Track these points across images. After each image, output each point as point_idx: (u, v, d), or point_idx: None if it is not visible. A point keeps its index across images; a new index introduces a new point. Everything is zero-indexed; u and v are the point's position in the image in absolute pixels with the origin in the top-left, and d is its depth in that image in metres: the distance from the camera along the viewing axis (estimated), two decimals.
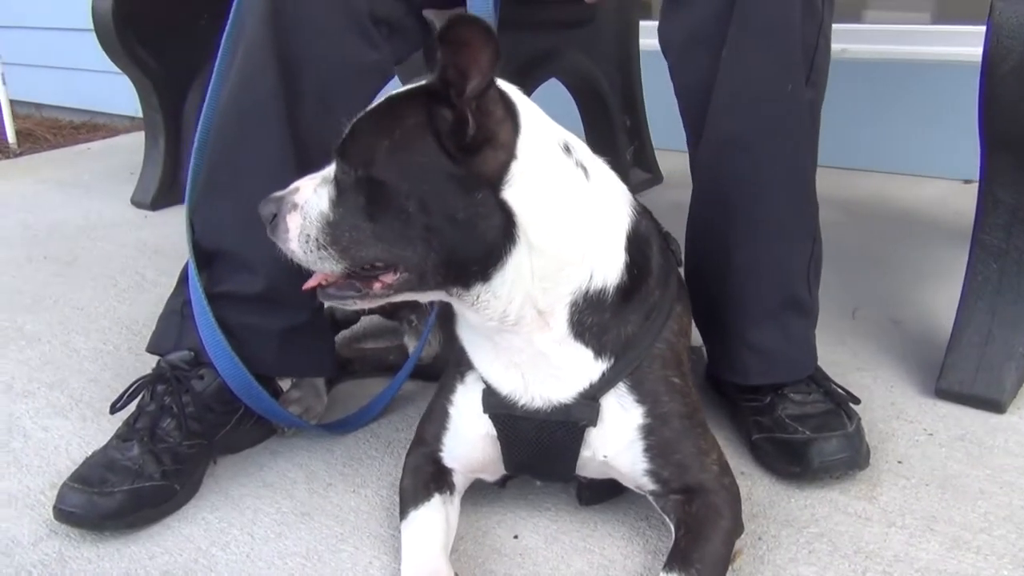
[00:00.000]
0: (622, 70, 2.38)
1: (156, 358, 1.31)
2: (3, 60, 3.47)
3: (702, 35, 1.14)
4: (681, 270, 1.15)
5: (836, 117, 2.50)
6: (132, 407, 1.27)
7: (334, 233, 0.94)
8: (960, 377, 1.36)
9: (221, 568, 1.09)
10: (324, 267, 0.96)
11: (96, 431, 1.41)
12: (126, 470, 1.16)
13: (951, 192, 2.38)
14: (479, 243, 0.92)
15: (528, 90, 2.00)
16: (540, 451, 1.05)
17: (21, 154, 3.43)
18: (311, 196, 0.97)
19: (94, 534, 1.15)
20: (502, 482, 1.15)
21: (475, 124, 0.88)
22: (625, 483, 1.08)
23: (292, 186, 1.00)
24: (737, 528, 1.04)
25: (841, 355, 1.52)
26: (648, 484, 1.05)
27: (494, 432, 1.06)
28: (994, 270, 1.35)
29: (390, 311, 1.55)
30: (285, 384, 1.41)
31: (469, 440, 1.08)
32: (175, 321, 1.28)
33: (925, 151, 2.50)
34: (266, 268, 1.23)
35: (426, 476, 1.11)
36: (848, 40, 2.49)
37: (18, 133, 3.57)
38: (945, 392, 1.37)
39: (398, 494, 1.13)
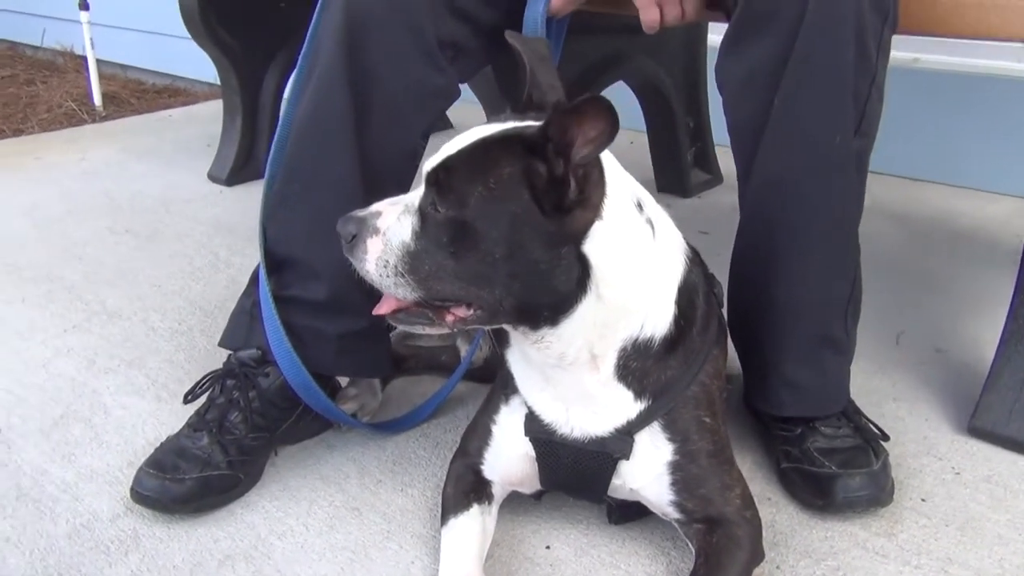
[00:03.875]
0: (687, 73, 2.40)
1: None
2: (91, 22, 3.62)
3: (758, 77, 1.18)
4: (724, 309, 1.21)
5: (905, 125, 2.50)
6: (203, 397, 1.38)
7: (413, 263, 1.00)
8: (994, 417, 1.39)
9: (277, 556, 1.20)
10: (398, 293, 1.02)
11: (169, 413, 1.52)
12: (196, 458, 1.27)
13: (1017, 211, 2.36)
14: (554, 291, 0.98)
15: (595, 92, 2.06)
16: (574, 475, 1.13)
17: (106, 118, 3.59)
18: (394, 223, 1.01)
19: (165, 516, 1.26)
20: (538, 495, 1.23)
21: (576, 188, 0.94)
22: (652, 509, 1.15)
23: (374, 208, 1.05)
24: (756, 558, 1.10)
25: (880, 383, 1.55)
26: (673, 513, 1.11)
27: (533, 453, 1.13)
28: None
29: None
30: (343, 380, 1.50)
31: (509, 458, 1.16)
32: (245, 320, 1.38)
33: (994, 166, 2.47)
34: (331, 278, 1.32)
35: (467, 486, 1.19)
36: (921, 49, 2.47)
37: (104, 96, 3.73)
38: (978, 431, 1.40)
39: (442, 500, 1.21)
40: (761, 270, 1.26)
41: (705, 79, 2.44)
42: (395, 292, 1.02)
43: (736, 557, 1.07)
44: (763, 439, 1.38)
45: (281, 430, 1.36)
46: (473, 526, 1.15)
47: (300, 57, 1.35)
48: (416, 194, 1.04)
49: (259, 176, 2.70)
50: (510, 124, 1.03)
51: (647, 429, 1.08)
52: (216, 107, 2.95)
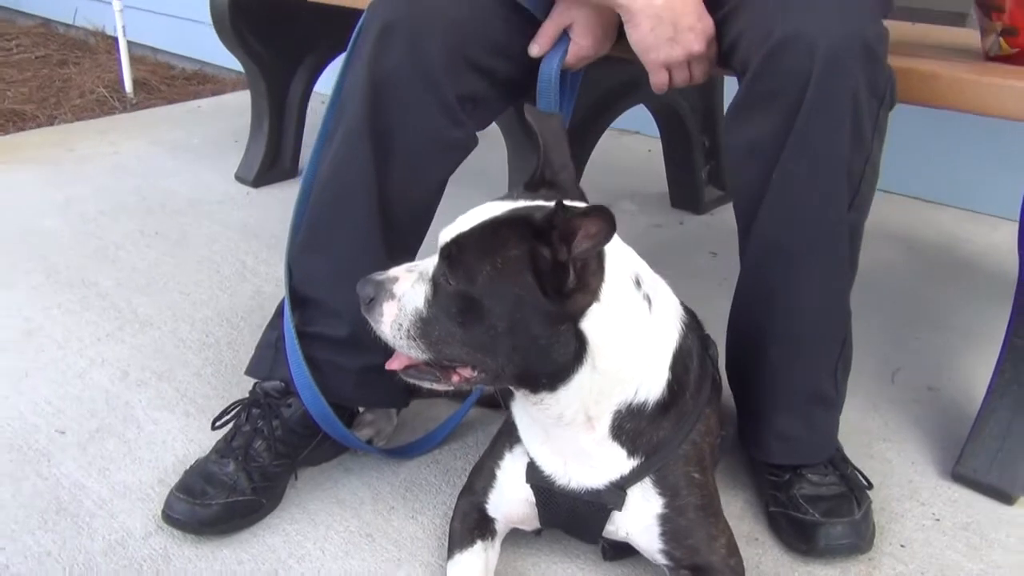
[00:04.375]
0: (703, 94, 2.45)
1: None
2: (124, 7, 3.70)
3: (758, 149, 1.25)
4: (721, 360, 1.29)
5: (920, 146, 2.54)
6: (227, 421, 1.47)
7: (424, 328, 1.08)
8: (976, 465, 1.46)
9: None
10: (410, 353, 1.11)
11: (197, 429, 1.62)
12: (223, 484, 1.37)
13: (1009, 235, 2.39)
14: (553, 363, 1.06)
15: (614, 117, 2.12)
16: (571, 520, 1.22)
17: (137, 105, 3.68)
18: (408, 290, 1.10)
19: (194, 537, 1.36)
20: (537, 532, 1.32)
21: (575, 278, 1.02)
22: (644, 554, 1.23)
23: (392, 272, 1.13)
24: None
25: (872, 423, 1.63)
26: (662, 560, 1.20)
27: (533, 499, 1.22)
28: (1022, 371, 1.43)
29: None
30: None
31: (511, 501, 1.25)
32: (270, 353, 1.47)
33: (1006, 190, 2.50)
34: (351, 318, 1.39)
35: (472, 523, 1.28)
36: None
37: (134, 82, 3.82)
38: (960, 477, 1.47)
39: (448, 534, 1.30)
40: (757, 329, 1.33)
41: (721, 100, 2.49)
42: (407, 352, 1.11)
43: None
44: (754, 480, 1.45)
45: (302, 456, 1.46)
46: (476, 562, 1.24)
47: (326, 114, 1.44)
48: (430, 263, 1.11)
49: (285, 178, 2.83)
50: (521, 203, 1.10)
51: (639, 484, 1.16)
52: (244, 97, 3.03)
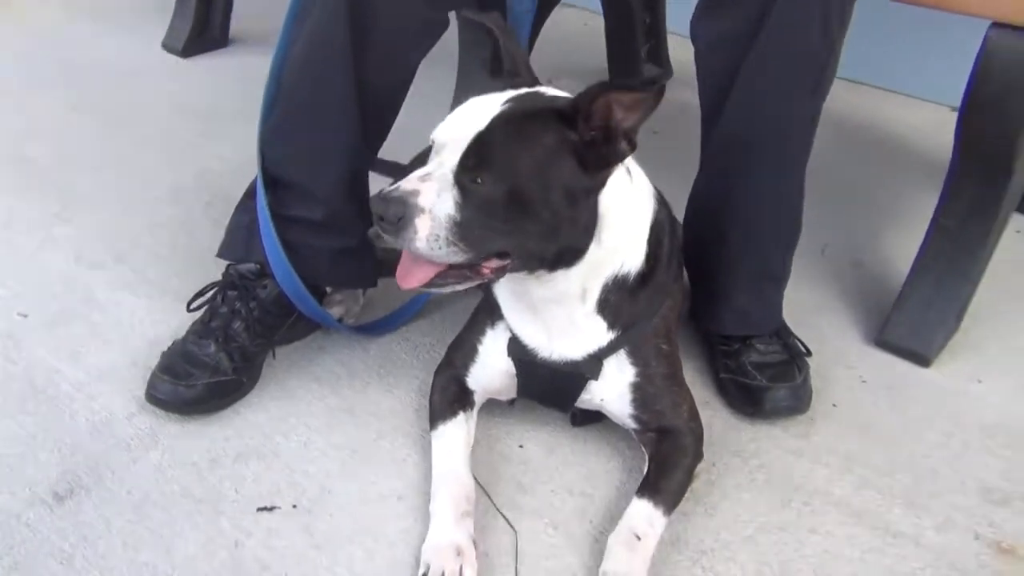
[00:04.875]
0: None
1: (217, 241, 1.54)
2: None
3: (730, 39, 1.30)
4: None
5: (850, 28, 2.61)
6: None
7: (463, 232, 1.08)
8: (899, 332, 1.61)
9: (283, 453, 1.37)
10: (450, 259, 1.10)
11: (162, 310, 1.64)
12: (205, 365, 1.41)
13: (939, 121, 2.53)
14: (581, 238, 1.14)
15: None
16: (549, 389, 1.32)
17: None
18: (436, 199, 1.08)
19: (178, 416, 1.41)
20: (511, 401, 1.42)
21: (629, 147, 1.09)
22: (613, 419, 1.35)
23: (407, 186, 1.09)
24: (697, 460, 1.32)
25: (806, 295, 1.75)
26: (631, 424, 1.32)
27: (514, 371, 1.31)
28: (946, 250, 1.57)
29: None
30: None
31: (492, 373, 1.34)
32: (243, 235, 1.49)
33: (928, 73, 2.61)
34: (328, 200, 1.44)
35: (452, 395, 1.37)
36: None
37: None
38: (884, 343, 1.63)
39: (429, 407, 1.39)
40: (716, 215, 1.42)
41: None
42: (448, 259, 1.10)
43: (682, 461, 1.28)
44: (705, 350, 1.58)
45: (278, 335, 1.51)
46: (459, 432, 1.33)
47: None
48: (440, 166, 1.10)
49: (215, 47, 2.74)
50: (507, 94, 1.13)
51: (615, 355, 1.26)
52: None
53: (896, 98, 2.64)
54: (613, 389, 1.29)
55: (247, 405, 1.45)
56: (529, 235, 1.11)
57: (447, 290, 1.18)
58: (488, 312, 1.34)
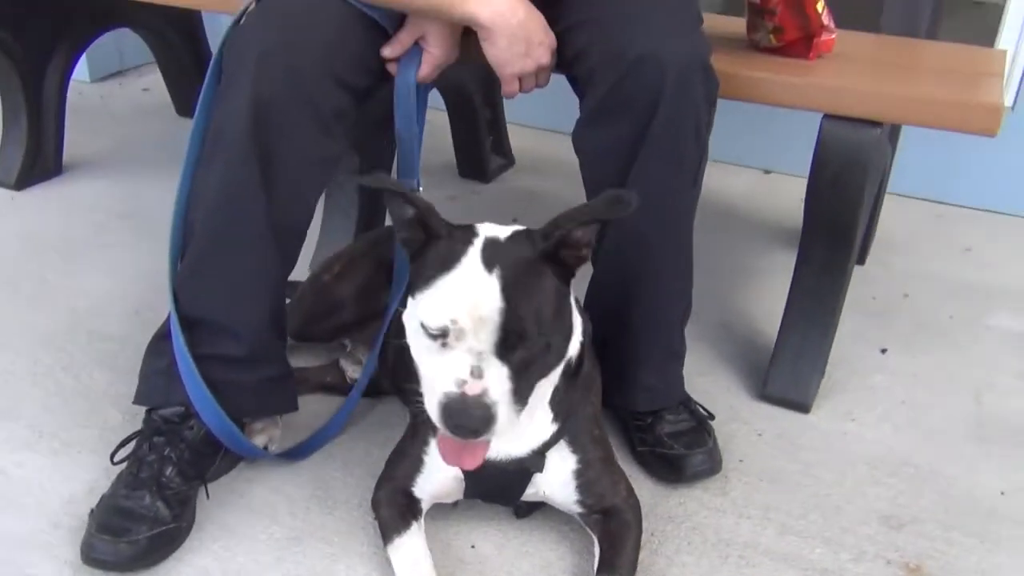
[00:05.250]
0: (486, 70, 2.61)
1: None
2: None
3: (614, 153, 1.45)
4: None
5: None
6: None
7: (518, 397, 1.14)
8: (779, 385, 1.80)
9: None
10: (515, 423, 1.16)
11: (71, 463, 1.57)
12: (143, 517, 1.37)
13: (755, 183, 2.84)
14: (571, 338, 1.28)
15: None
16: (495, 488, 1.39)
17: None
18: (499, 386, 1.12)
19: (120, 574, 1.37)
20: (455, 503, 1.48)
21: (589, 251, 1.22)
22: (557, 507, 1.43)
23: (475, 391, 1.11)
24: (640, 532, 1.42)
25: (689, 362, 1.91)
26: (576, 508, 1.41)
27: (461, 475, 1.37)
28: (806, 306, 1.79)
29: (328, 336, 1.80)
30: None
31: (439, 480, 1.39)
32: (162, 380, 1.47)
33: (735, 139, 2.91)
34: (250, 336, 1.46)
35: (400, 507, 1.41)
36: None
37: None
38: (768, 397, 1.81)
39: (378, 522, 1.42)
40: (618, 306, 1.55)
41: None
42: (514, 425, 1.16)
43: (629, 537, 1.38)
44: (618, 427, 1.69)
45: (209, 472, 1.49)
46: (417, 542, 1.37)
47: (192, 137, 1.47)
48: (482, 354, 1.12)
49: (49, 177, 2.64)
50: (473, 247, 1.17)
51: (556, 447, 1.35)
52: None
53: (716, 166, 2.91)
54: (556, 479, 1.37)
55: (189, 551, 1.42)
56: (552, 366, 1.22)
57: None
58: (428, 423, 1.39)
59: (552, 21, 1.50)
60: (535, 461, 1.35)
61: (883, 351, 2.01)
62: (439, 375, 1.14)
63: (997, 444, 1.74)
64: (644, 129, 1.41)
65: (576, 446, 1.37)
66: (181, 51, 3.06)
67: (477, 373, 1.12)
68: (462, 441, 1.16)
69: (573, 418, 1.36)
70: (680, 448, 1.58)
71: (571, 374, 1.34)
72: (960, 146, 2.61)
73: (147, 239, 2.35)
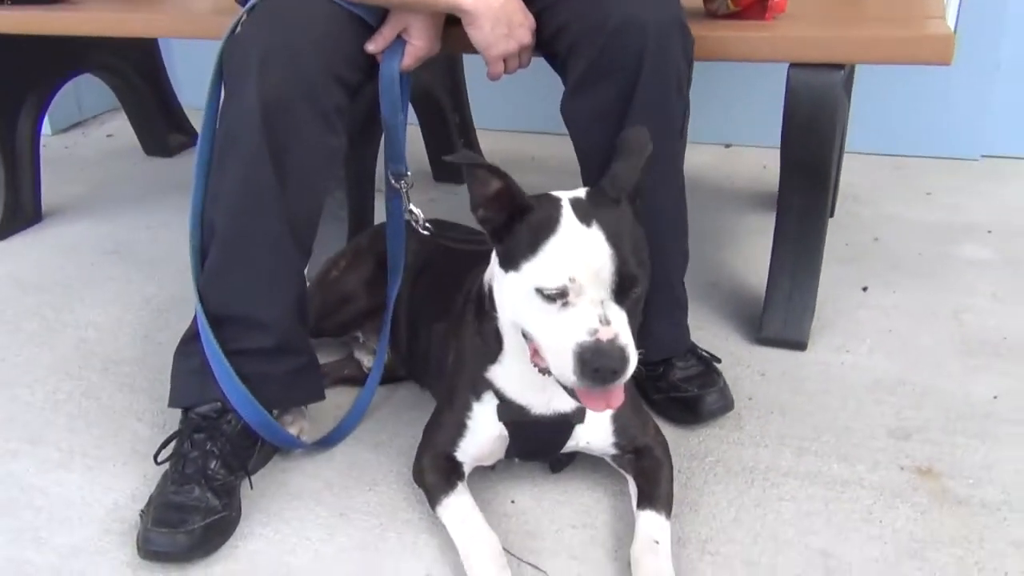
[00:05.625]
0: (451, 75, 2.71)
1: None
2: None
3: (602, 116, 1.53)
4: None
5: None
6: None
7: (636, 339, 1.21)
8: (774, 327, 1.90)
9: (300, 570, 1.40)
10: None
11: (108, 476, 1.61)
12: (196, 508, 1.42)
13: (718, 156, 2.96)
14: None
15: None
16: (539, 444, 1.46)
17: None
18: (625, 329, 1.20)
19: (176, 568, 1.40)
20: (493, 466, 1.54)
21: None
22: (594, 453, 1.51)
23: (608, 335, 1.17)
24: (672, 468, 1.50)
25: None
26: (611, 451, 1.48)
27: (506, 434, 1.44)
28: (790, 251, 1.89)
29: (335, 333, 1.86)
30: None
31: (482, 441, 1.45)
32: (195, 379, 1.52)
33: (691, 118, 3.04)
34: (277, 327, 1.52)
35: (445, 470, 1.47)
36: None
37: None
38: (765, 339, 1.91)
39: (423, 489, 1.47)
40: None
41: (464, 79, 2.77)
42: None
43: (663, 471, 1.46)
44: (630, 381, 1.76)
45: (251, 463, 1.54)
46: (466, 500, 1.43)
47: (200, 145, 1.54)
48: (605, 301, 1.20)
49: (29, 224, 2.66)
50: (566, 203, 1.26)
51: None
52: None
53: None
54: (597, 427, 1.45)
55: (240, 538, 1.46)
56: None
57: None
58: (468, 388, 1.45)
59: (528, 2, 1.59)
60: (578, 414, 1.42)
61: (864, 289, 2.13)
62: (566, 332, 1.18)
63: (982, 357, 1.85)
64: (631, 90, 1.50)
65: None
66: (144, 92, 3.11)
67: (605, 320, 1.18)
68: (601, 389, 1.22)
69: None
70: (694, 389, 1.66)
71: None
72: (911, 101, 2.78)
73: (139, 271, 2.39)
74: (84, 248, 2.56)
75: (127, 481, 1.59)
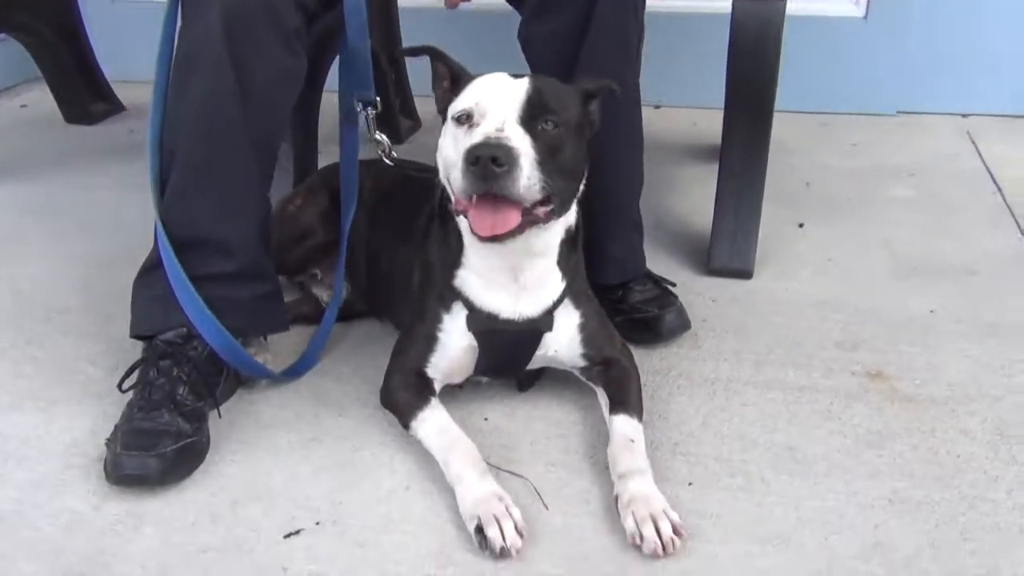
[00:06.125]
0: (385, 30, 2.70)
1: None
2: None
3: (562, 35, 1.57)
4: None
5: None
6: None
7: (543, 171, 1.23)
8: (722, 258, 1.97)
9: (277, 489, 1.38)
10: (534, 197, 1.24)
11: (63, 415, 1.56)
12: (166, 432, 1.38)
13: (648, 117, 3.01)
14: (583, 176, 1.38)
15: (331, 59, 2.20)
16: (508, 354, 1.48)
17: None
18: (523, 144, 1.23)
19: (147, 492, 1.37)
20: (461, 385, 1.55)
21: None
22: (561, 367, 1.53)
23: (495, 134, 1.22)
24: (639, 378, 1.54)
25: None
26: (581, 363, 1.51)
27: (475, 344, 1.45)
28: (734, 185, 1.96)
29: (293, 270, 1.85)
30: None
31: (454, 354, 1.46)
32: (158, 307, 1.49)
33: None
34: (242, 249, 1.50)
35: (417, 387, 1.47)
36: None
37: None
38: (714, 270, 1.97)
39: (394, 408, 1.48)
40: (586, 184, 1.66)
41: (399, 36, 2.77)
42: (534, 198, 1.24)
43: (631, 380, 1.50)
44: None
45: (219, 391, 1.51)
46: (440, 413, 1.44)
47: (158, 74, 1.51)
48: (506, 121, 1.25)
49: None
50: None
51: (562, 305, 1.46)
52: None
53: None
54: (565, 335, 1.48)
55: (212, 464, 1.44)
56: (572, 176, 1.33)
57: (514, 238, 1.26)
58: (437, 302, 1.46)
59: None
60: (545, 320, 1.45)
61: (800, 225, 2.22)
62: (463, 145, 1.24)
63: (915, 279, 1.96)
64: (590, 11, 1.54)
65: (578, 303, 1.48)
66: (63, 55, 3.00)
67: (500, 129, 1.24)
68: (492, 209, 1.23)
69: (575, 278, 1.46)
70: (654, 310, 1.71)
71: (573, 237, 1.44)
72: (833, 61, 2.90)
73: (71, 228, 2.31)
74: (8, 208, 2.46)
75: (84, 420, 1.54)
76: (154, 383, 1.45)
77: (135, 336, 1.52)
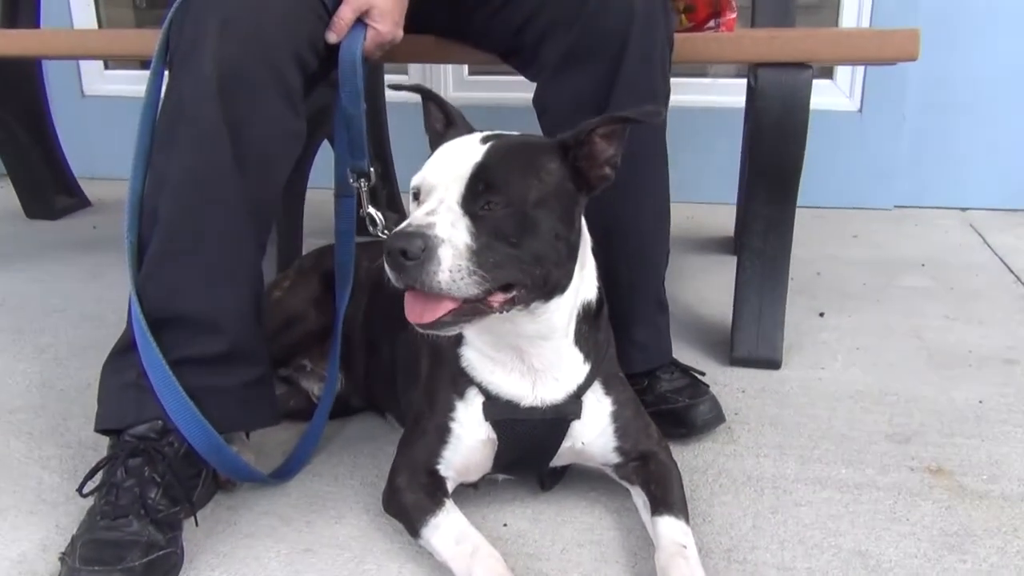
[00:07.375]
0: (372, 121, 2.60)
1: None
2: None
3: (583, 101, 1.45)
4: None
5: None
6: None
7: (479, 260, 1.06)
8: (747, 347, 1.82)
9: None
10: (470, 292, 1.06)
11: (10, 528, 1.34)
12: (135, 544, 1.17)
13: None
14: (571, 261, 1.19)
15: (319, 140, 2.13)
16: (531, 446, 1.29)
17: None
18: (451, 230, 1.06)
19: None
20: (475, 485, 1.36)
21: (612, 171, 1.20)
22: (591, 464, 1.35)
23: (421, 220, 1.06)
24: (680, 475, 1.35)
25: None
26: (614, 458, 1.33)
27: (494, 436, 1.26)
28: (757, 265, 1.83)
29: (280, 361, 1.65)
30: None
31: (470, 447, 1.27)
32: (130, 395, 1.29)
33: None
34: (231, 326, 1.32)
35: (427, 488, 1.27)
36: None
37: None
38: (739, 360, 1.82)
39: (401, 513, 1.27)
40: (609, 252, 1.50)
41: (387, 127, 2.67)
42: (467, 292, 1.06)
43: (673, 477, 1.31)
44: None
45: (196, 495, 1.30)
46: (457, 516, 1.23)
47: (141, 130, 1.34)
48: (445, 201, 1.09)
49: None
50: (477, 136, 1.18)
51: (591, 389, 1.28)
52: None
53: None
54: (596, 425, 1.30)
55: None
56: (536, 260, 1.12)
57: (456, 329, 1.12)
58: (449, 388, 1.28)
59: (481, 4, 1.54)
60: (572, 406, 1.27)
61: (821, 315, 2.09)
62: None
63: (955, 368, 1.82)
64: (614, 74, 1.43)
65: (609, 388, 1.31)
66: (28, 146, 2.86)
67: (429, 213, 1.07)
68: (424, 298, 1.07)
69: (602, 357, 1.30)
70: (684, 400, 1.54)
71: (593, 315, 1.29)
72: (829, 155, 2.85)
73: (30, 322, 2.11)
74: None
75: (34, 531, 1.32)
76: (121, 485, 1.23)
77: (101, 430, 1.32)
